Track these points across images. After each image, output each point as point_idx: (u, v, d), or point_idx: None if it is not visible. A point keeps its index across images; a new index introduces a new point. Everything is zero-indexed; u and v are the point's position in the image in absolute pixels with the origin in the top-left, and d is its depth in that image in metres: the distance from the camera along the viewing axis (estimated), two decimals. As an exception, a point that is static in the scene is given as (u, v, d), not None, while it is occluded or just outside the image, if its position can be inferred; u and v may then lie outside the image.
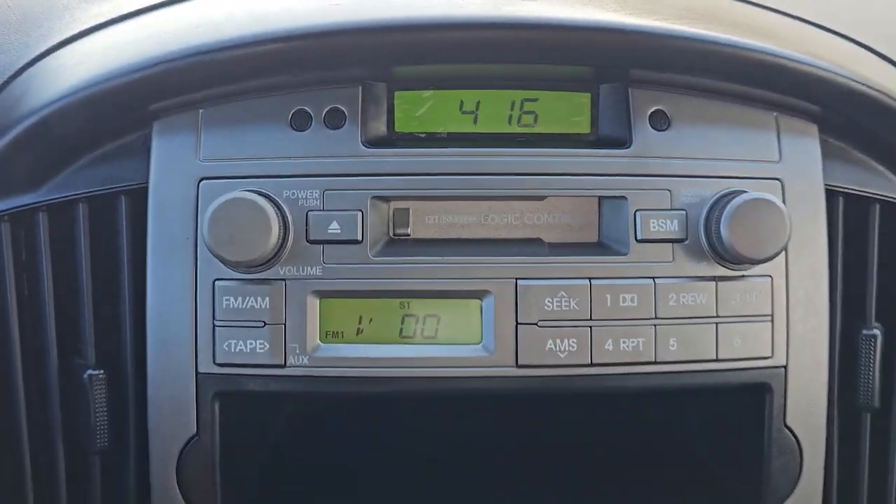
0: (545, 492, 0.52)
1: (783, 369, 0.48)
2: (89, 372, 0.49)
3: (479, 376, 0.46)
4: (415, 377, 0.45)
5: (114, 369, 0.49)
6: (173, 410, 0.47)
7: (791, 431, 0.48)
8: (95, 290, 0.49)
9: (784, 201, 0.47)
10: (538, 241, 0.48)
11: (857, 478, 0.52)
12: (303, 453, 0.49)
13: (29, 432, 0.50)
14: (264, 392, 0.46)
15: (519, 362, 0.45)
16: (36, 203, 0.49)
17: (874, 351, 0.51)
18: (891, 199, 0.52)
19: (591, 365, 0.46)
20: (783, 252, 0.47)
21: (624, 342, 0.45)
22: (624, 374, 0.46)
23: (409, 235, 0.48)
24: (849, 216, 0.51)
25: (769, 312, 0.47)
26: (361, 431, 0.48)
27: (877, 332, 0.51)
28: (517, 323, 0.45)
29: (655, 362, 0.46)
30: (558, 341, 0.45)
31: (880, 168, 0.52)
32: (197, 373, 0.46)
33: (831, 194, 0.50)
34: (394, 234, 0.48)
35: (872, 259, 0.51)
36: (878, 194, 0.51)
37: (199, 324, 0.46)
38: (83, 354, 0.49)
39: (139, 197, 0.48)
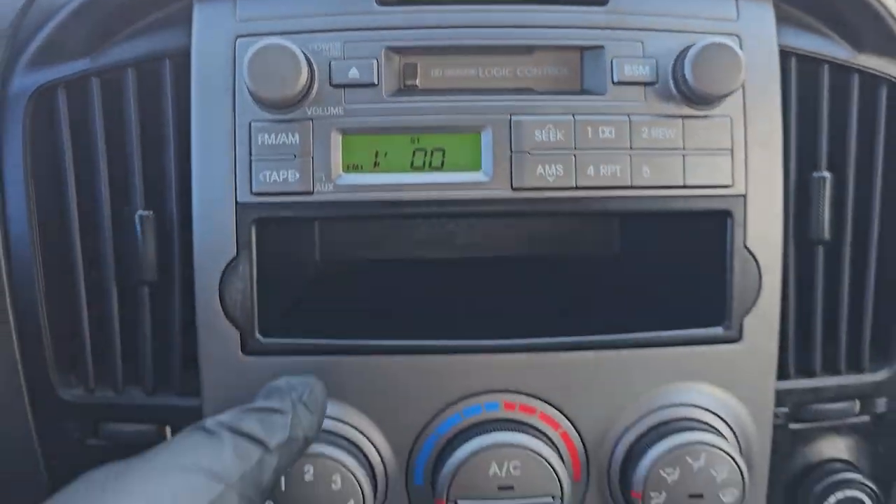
0: (534, 301, 0.60)
1: (742, 198, 0.55)
2: (139, 213, 0.56)
3: (480, 198, 0.53)
4: (425, 200, 0.53)
5: (160, 213, 0.57)
6: (216, 238, 0.54)
7: (751, 253, 0.56)
8: (143, 146, 0.57)
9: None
10: (529, 88, 0.55)
11: (812, 301, 0.59)
12: (328, 273, 0.57)
13: (85, 272, 0.57)
14: (295, 217, 0.53)
15: (514, 185, 0.53)
16: (89, 69, 0.57)
17: (823, 190, 0.58)
18: (838, 61, 0.59)
19: (576, 188, 0.53)
20: (741, 96, 0.55)
21: (603, 168, 0.53)
22: (604, 196, 0.53)
23: (416, 86, 0.55)
24: (802, 74, 0.59)
25: (729, 147, 0.54)
26: (379, 254, 0.56)
27: (826, 174, 0.59)
28: (511, 152, 0.53)
29: (631, 186, 0.53)
30: (547, 167, 0.53)
31: (830, 33, 0.60)
32: (237, 202, 0.53)
33: (785, 55, 0.58)
34: (404, 85, 0.55)
35: (822, 114, 0.59)
36: (827, 56, 0.59)
37: (237, 159, 0.53)
38: (132, 201, 0.57)
39: (182, 61, 0.56)
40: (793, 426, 0.60)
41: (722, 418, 0.55)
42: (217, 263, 0.54)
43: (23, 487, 0.60)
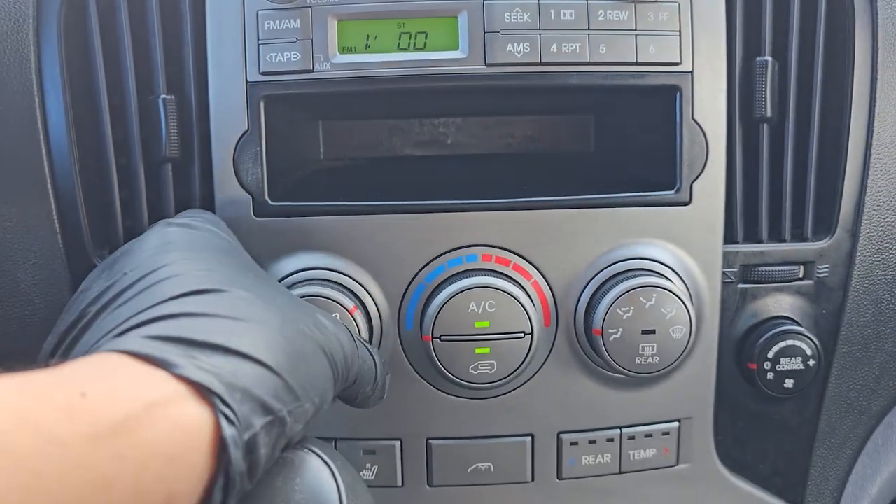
0: (511, 174, 0.68)
1: (689, 74, 0.63)
2: (162, 97, 0.64)
3: (458, 73, 0.61)
4: (410, 75, 0.61)
5: (180, 98, 0.65)
6: (230, 115, 0.62)
7: (698, 125, 0.63)
8: (164, 40, 0.65)
9: (686, -51, 0.62)
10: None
11: (758, 174, 0.67)
12: (331, 165, 0.65)
13: (115, 151, 0.65)
14: (297, 94, 0.61)
15: (487, 62, 0.61)
16: (115, -29, 0.64)
17: (766, 74, 0.66)
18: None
19: (541, 63, 0.61)
20: None
21: (565, 46, 0.61)
22: (566, 72, 0.61)
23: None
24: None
25: (677, 29, 0.62)
26: (376, 152, 0.64)
27: (768, 59, 0.66)
28: (485, 32, 0.60)
29: (589, 63, 0.61)
30: (516, 45, 0.60)
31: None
32: (247, 82, 0.61)
33: (728, -56, 0.65)
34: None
35: (766, 6, 0.66)
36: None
37: (247, 43, 0.61)
38: (156, 89, 0.65)
39: (197, -40, 0.64)
40: (741, 286, 0.67)
41: (674, 270, 0.63)
42: (231, 137, 0.62)
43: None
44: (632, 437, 0.66)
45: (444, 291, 0.60)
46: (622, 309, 0.60)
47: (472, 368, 0.60)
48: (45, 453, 0.29)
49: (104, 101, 0.64)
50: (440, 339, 0.59)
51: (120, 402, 0.33)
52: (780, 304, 0.68)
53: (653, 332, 0.60)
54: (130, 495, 0.32)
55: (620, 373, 0.61)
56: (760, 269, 0.67)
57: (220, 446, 0.35)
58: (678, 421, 0.67)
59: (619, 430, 0.66)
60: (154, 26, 0.63)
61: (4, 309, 0.66)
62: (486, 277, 0.60)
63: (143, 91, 0.64)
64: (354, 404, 0.54)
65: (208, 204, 0.64)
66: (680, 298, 0.59)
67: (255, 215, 0.62)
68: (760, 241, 0.67)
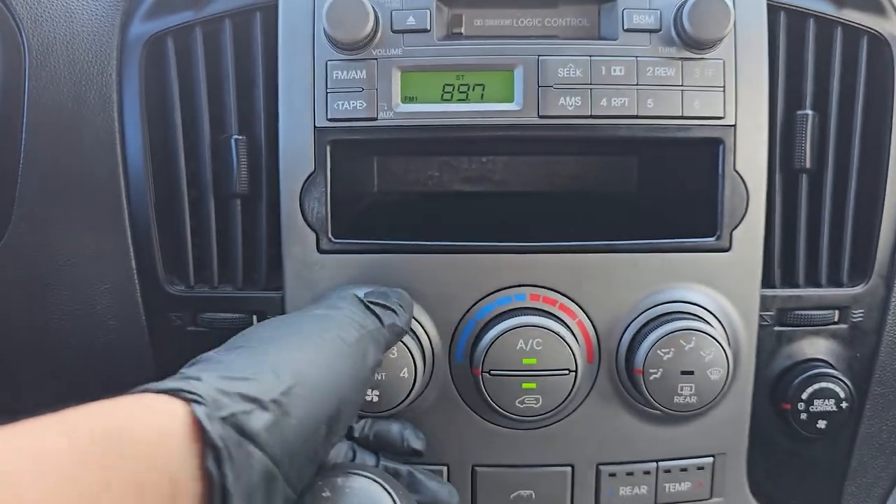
0: (557, 217, 0.72)
1: (732, 128, 0.66)
2: (234, 137, 0.69)
3: (513, 124, 0.65)
4: (469, 124, 0.65)
5: (250, 139, 0.69)
6: (298, 156, 0.66)
7: (740, 176, 0.66)
8: (237, 84, 0.69)
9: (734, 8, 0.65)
10: (555, 35, 0.67)
11: (796, 221, 0.70)
12: (385, 199, 0.69)
13: (188, 188, 0.70)
14: (362, 140, 0.66)
15: (540, 113, 0.64)
16: (193, 20, 0.69)
17: (806, 126, 0.68)
18: (822, 15, 0.69)
19: (591, 116, 0.64)
20: (733, 42, 0.65)
21: (615, 100, 0.64)
22: (615, 124, 0.65)
23: (461, 33, 0.67)
24: (790, 25, 0.69)
25: (721, 84, 0.65)
26: (427, 187, 0.68)
27: (809, 112, 0.69)
28: (539, 86, 0.64)
29: (637, 116, 0.65)
30: (568, 98, 0.64)
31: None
32: (315, 127, 0.66)
33: (774, 9, 0.68)
34: (451, 32, 0.67)
35: (807, 61, 0.69)
36: (812, 10, 0.69)
37: (316, 92, 0.65)
38: (227, 129, 0.70)
39: (270, 13, 0.68)
40: (777, 329, 0.70)
41: (712, 313, 0.66)
42: (299, 178, 0.66)
43: (134, 369, 0.73)
44: (668, 471, 0.69)
45: (494, 329, 0.63)
46: (662, 350, 0.63)
47: (518, 402, 0.63)
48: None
49: (179, 139, 0.69)
50: (489, 374, 0.63)
51: (115, 416, 0.38)
52: (815, 346, 0.71)
53: (691, 373, 0.63)
54: (133, 487, 0.35)
55: (659, 410, 0.64)
56: (796, 312, 0.69)
57: (199, 427, 0.39)
58: (713, 456, 0.70)
59: (655, 464, 0.69)
60: (228, 69, 0.68)
61: (82, 330, 0.71)
62: (534, 317, 0.64)
63: (216, 131, 0.69)
64: None
65: (273, 237, 0.68)
66: (718, 342, 0.63)
67: (318, 251, 0.67)
68: (797, 286, 0.69)
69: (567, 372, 0.63)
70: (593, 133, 0.65)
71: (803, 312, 0.69)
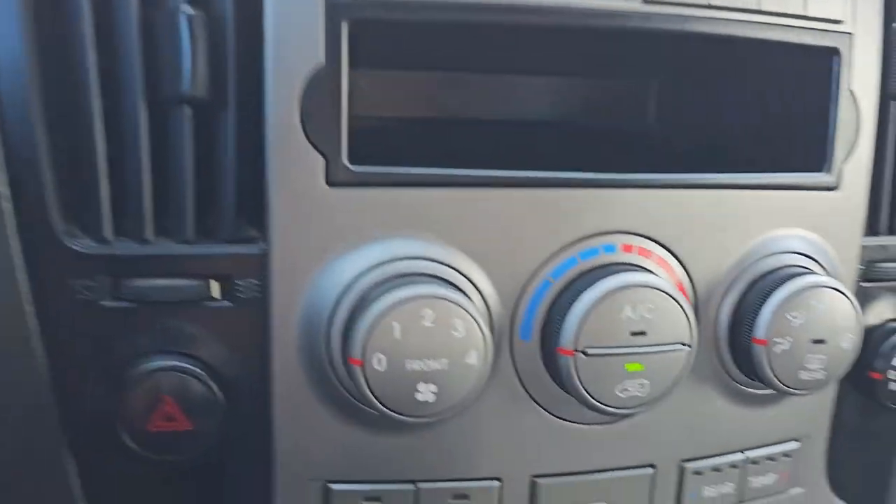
0: (649, 143, 0.55)
1: (849, 36, 0.53)
2: (185, 10, 0.45)
3: (609, 10, 0.47)
4: (552, 5, 0.46)
5: (209, 12, 0.45)
6: (297, 42, 0.44)
7: (854, 97, 0.54)
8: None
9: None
10: None
11: (882, 158, 0.58)
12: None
13: (102, 90, 0.45)
14: (389, 19, 0.45)
15: (646, -2, 0.47)
16: None
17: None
18: None
19: (708, 7, 0.48)
20: None
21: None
22: (734, 18, 0.49)
23: None
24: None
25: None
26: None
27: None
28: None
29: (759, 11, 0.49)
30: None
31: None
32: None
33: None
34: None
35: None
36: None
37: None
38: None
39: None
40: (863, 284, 0.59)
41: (824, 267, 0.53)
42: (298, 74, 0.44)
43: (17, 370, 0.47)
44: (755, 462, 0.56)
45: (591, 290, 0.46)
46: (792, 314, 0.49)
47: (619, 390, 0.46)
48: None
49: (84, 13, 0.44)
50: (584, 354, 0.45)
51: None
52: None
53: (822, 341, 0.49)
54: None
55: (778, 390, 0.50)
56: (882, 265, 0.58)
57: None
58: (798, 440, 0.57)
59: (742, 455, 0.55)
60: None
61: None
62: (642, 274, 0.47)
63: (149, 2, 0.45)
64: None
65: (247, 163, 0.46)
66: (851, 301, 0.50)
67: (327, 183, 0.45)
68: (876, 234, 0.59)
69: (681, 346, 0.47)
70: (708, 28, 0.48)
71: (888, 266, 0.59)
